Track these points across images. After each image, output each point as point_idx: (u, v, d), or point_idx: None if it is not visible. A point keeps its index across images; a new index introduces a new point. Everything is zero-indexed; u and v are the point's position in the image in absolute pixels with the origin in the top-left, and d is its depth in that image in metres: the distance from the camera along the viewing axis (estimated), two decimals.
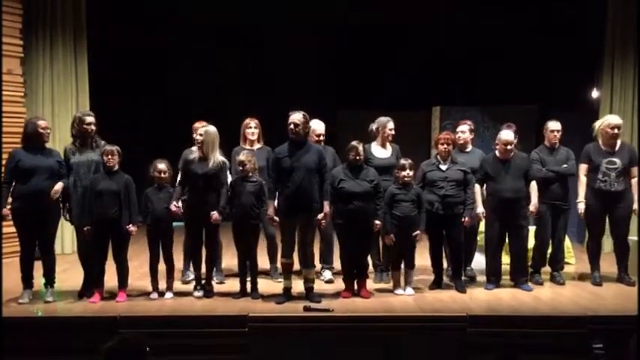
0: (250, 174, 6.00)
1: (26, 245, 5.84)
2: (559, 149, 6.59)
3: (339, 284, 6.24)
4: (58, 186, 5.80)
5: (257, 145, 6.60)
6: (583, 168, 6.52)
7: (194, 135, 6.44)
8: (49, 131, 5.98)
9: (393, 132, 6.53)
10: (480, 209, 6.28)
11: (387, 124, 6.52)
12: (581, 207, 6.48)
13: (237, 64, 9.60)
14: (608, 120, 6.54)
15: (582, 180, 6.51)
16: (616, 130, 6.40)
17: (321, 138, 6.47)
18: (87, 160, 5.94)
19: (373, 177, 5.98)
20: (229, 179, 6.16)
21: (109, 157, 5.77)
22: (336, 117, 8.89)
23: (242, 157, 6.03)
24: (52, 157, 5.89)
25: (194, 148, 6.44)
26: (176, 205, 5.92)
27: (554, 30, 9.05)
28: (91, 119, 6.04)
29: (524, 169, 6.27)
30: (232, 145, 6.57)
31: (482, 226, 6.59)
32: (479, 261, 6.84)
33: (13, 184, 5.79)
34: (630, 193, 6.40)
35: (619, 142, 6.48)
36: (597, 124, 6.58)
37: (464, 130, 6.69)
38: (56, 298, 5.86)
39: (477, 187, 6.32)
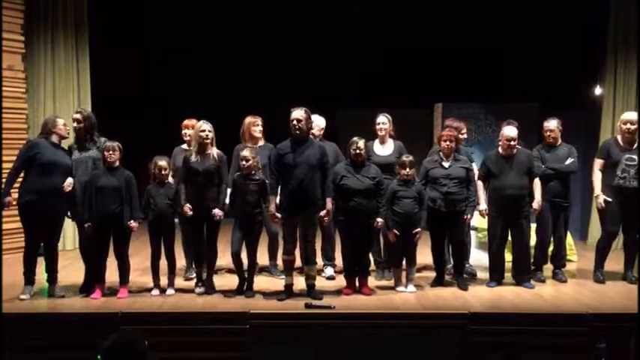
0: (253, 172, 5.93)
1: (32, 241, 5.81)
2: (560, 146, 6.53)
3: (341, 281, 6.23)
4: (70, 179, 5.81)
5: (259, 143, 6.57)
6: (598, 163, 6.46)
7: (183, 131, 6.48)
8: (69, 129, 6.01)
9: (384, 126, 6.47)
10: (483, 206, 6.26)
11: (376, 119, 6.52)
12: (601, 199, 6.37)
13: (237, 63, 9.58)
14: (622, 116, 6.51)
15: (598, 174, 6.43)
16: (629, 125, 6.31)
17: (321, 132, 6.49)
18: (84, 157, 5.92)
19: (375, 174, 5.96)
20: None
21: (110, 152, 5.75)
22: (336, 116, 8.86)
23: (246, 152, 5.94)
24: (68, 155, 5.90)
25: (184, 146, 6.46)
26: (189, 207, 5.85)
27: (557, 27, 9.02)
28: (75, 116, 6.01)
29: (528, 165, 6.22)
30: (231, 144, 6.53)
31: (484, 223, 6.58)
32: (480, 258, 6.82)
33: (22, 174, 5.73)
34: None
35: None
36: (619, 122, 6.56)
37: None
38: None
39: (480, 183, 6.31)
